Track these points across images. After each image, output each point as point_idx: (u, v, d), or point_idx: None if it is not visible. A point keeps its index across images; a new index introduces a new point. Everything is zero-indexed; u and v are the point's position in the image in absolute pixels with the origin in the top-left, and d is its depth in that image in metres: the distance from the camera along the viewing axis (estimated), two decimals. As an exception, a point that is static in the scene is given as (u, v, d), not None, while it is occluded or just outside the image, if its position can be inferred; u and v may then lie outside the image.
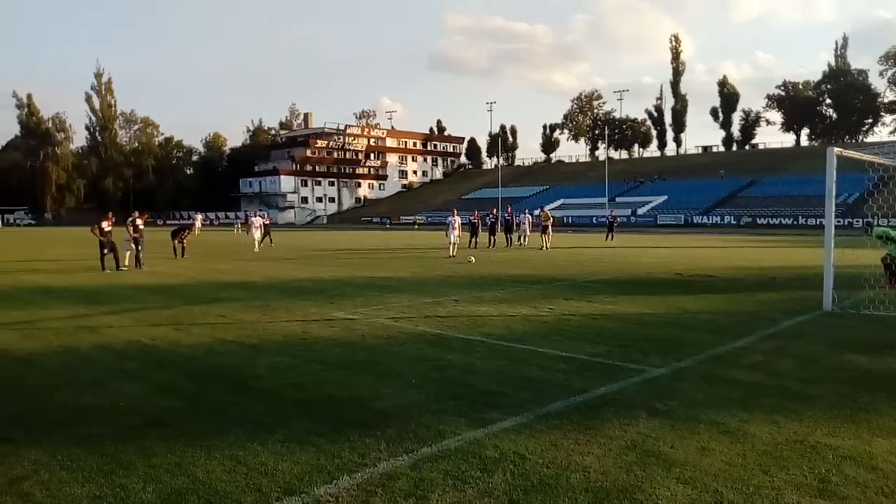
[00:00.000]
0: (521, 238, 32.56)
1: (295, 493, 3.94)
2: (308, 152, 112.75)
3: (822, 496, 3.83)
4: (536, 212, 35.02)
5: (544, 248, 28.67)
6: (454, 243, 24.54)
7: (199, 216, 58.34)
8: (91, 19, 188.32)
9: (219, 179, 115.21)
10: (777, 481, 4.03)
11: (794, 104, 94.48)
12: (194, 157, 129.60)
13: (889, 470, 4.19)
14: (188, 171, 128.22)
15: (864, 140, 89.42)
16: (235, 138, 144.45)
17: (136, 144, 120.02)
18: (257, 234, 28.47)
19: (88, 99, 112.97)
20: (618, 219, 38.73)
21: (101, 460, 4.45)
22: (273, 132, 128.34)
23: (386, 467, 4.28)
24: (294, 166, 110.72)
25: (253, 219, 29.07)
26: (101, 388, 6.34)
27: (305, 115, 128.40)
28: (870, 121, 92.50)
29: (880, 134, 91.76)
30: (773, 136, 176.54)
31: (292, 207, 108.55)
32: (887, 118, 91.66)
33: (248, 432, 4.94)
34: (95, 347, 8.28)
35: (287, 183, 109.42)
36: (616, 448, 4.61)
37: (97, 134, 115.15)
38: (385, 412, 5.44)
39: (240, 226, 58.55)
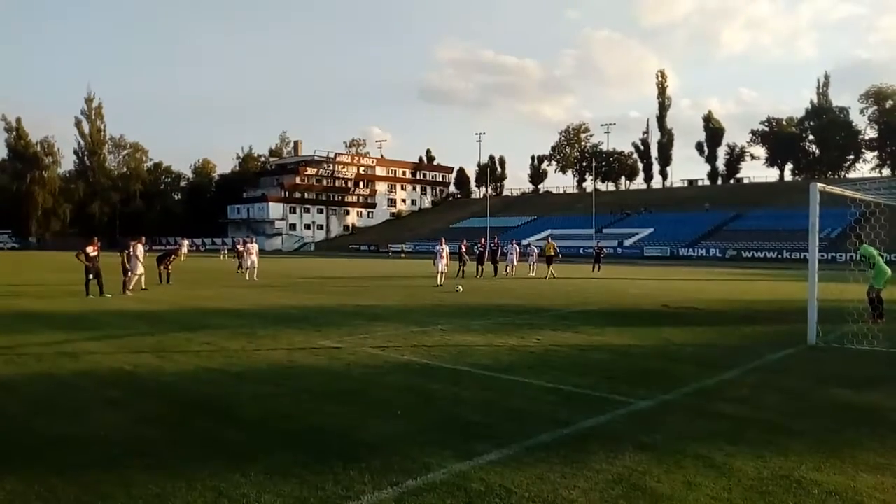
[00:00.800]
0: (508, 268, 32.71)
1: (277, 526, 3.87)
2: (297, 179, 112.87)
3: (807, 532, 3.82)
4: (542, 243, 35.17)
5: (548, 278, 28.88)
6: (442, 272, 24.59)
7: (186, 242, 57.97)
8: (83, 44, 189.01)
9: (207, 205, 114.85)
10: (763, 517, 4.02)
11: (778, 140, 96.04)
12: (183, 183, 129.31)
13: (874, 506, 4.20)
14: (176, 197, 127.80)
15: (846, 176, 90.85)
16: (225, 165, 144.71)
17: (125, 169, 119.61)
18: (253, 261, 27.34)
19: (78, 123, 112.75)
20: (604, 250, 38.94)
21: (79, 491, 4.37)
22: (263, 159, 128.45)
23: (370, 500, 4.22)
24: (283, 193, 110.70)
25: (250, 245, 27.90)
26: (81, 416, 6.24)
27: (295, 142, 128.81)
28: (851, 157, 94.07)
29: (862, 170, 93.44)
30: (757, 170, 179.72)
31: (280, 234, 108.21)
32: (868, 155, 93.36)
33: (231, 463, 4.87)
34: (77, 374, 8.16)
35: (275, 210, 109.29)
36: (602, 482, 4.59)
37: (85, 158, 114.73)
38: (370, 443, 5.39)
39: (227, 252, 58.12)
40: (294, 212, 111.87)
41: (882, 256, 13.66)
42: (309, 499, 4.25)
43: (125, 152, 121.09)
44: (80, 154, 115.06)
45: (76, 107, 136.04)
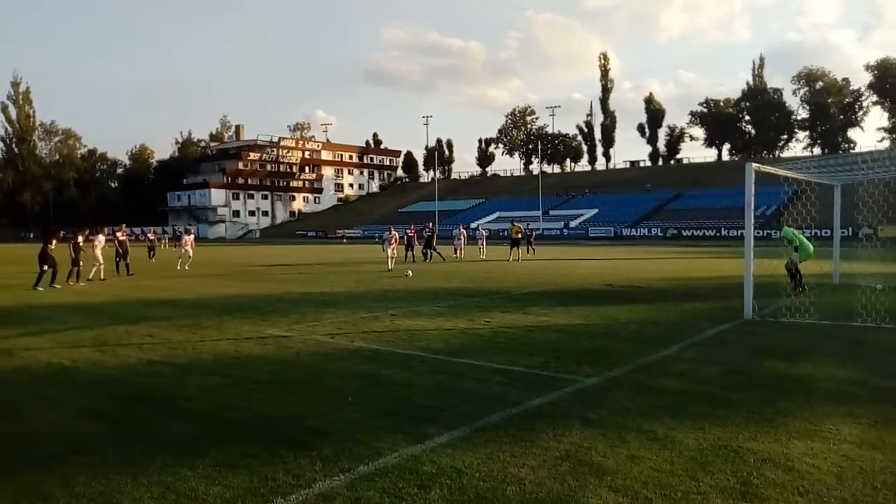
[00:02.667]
0: (457, 251, 32.86)
1: (227, 518, 3.84)
2: (240, 165, 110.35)
3: (744, 499, 4.00)
4: (507, 225, 35.20)
5: (518, 260, 29.40)
6: (392, 257, 24.56)
7: (102, 235, 56.19)
8: (6, 26, 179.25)
9: (145, 193, 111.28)
10: (703, 486, 4.20)
11: (716, 121, 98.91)
12: (119, 170, 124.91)
13: (804, 470, 4.43)
14: (113, 185, 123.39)
15: (781, 155, 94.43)
16: (163, 151, 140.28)
17: (57, 157, 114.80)
18: (189, 251, 26.89)
19: (4, 109, 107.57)
20: (534, 231, 38.87)
21: (18, 492, 4.23)
22: (203, 144, 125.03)
23: (322, 488, 4.22)
24: (225, 179, 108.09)
25: (186, 236, 27.66)
26: (18, 415, 6.03)
27: (237, 126, 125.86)
28: (785, 137, 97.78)
29: (795, 149, 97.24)
30: (696, 151, 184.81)
31: (223, 221, 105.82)
32: (801, 134, 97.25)
33: (178, 457, 4.79)
34: (12, 371, 7.85)
35: (217, 196, 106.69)
36: (550, 459, 4.70)
37: (14, 146, 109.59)
38: (321, 431, 5.37)
39: (167, 241, 56.49)
40: (237, 198, 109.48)
41: (804, 233, 14.30)
42: (259, 489, 4.22)
43: (57, 139, 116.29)
44: (8, 141, 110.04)
45: (1, 92, 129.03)
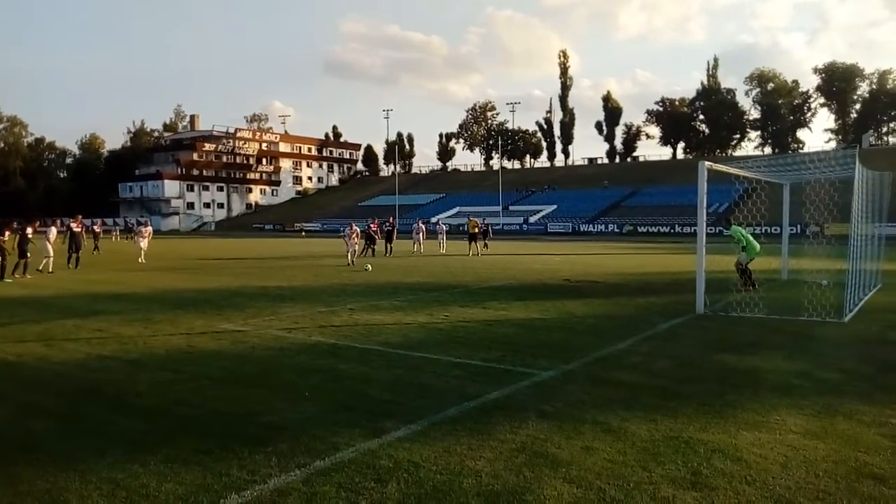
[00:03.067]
0: (416, 245, 32.87)
1: (179, 515, 3.77)
2: (195, 156, 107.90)
3: (694, 488, 4.11)
4: (453, 220, 35.17)
5: (478, 255, 29.58)
6: (352, 252, 24.37)
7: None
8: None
9: (96, 183, 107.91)
10: (654, 476, 4.29)
11: (671, 119, 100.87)
12: (69, 160, 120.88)
13: (752, 460, 4.57)
14: (62, 175, 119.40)
15: (733, 154, 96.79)
16: (115, 140, 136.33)
17: (2, 145, 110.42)
18: (144, 244, 26.34)
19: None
20: (490, 226, 38.37)
21: (-44, 492, 4.07)
22: (156, 134, 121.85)
23: (277, 483, 4.18)
24: (179, 170, 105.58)
25: (143, 228, 27.02)
26: (-43, 413, 5.79)
27: (192, 116, 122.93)
28: (737, 136, 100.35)
29: (747, 148, 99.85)
30: (652, 149, 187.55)
31: (177, 213, 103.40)
32: (752, 134, 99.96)
33: (128, 453, 4.68)
34: (-49, 367, 7.54)
35: (171, 188, 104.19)
36: (507, 451, 4.74)
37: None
38: (276, 426, 5.31)
39: (118, 233, 55.01)
40: (192, 190, 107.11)
41: (753, 230, 14.71)
42: (213, 485, 4.15)
43: (1, 126, 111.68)
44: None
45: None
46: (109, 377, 7.06)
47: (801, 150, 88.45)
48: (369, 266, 21.72)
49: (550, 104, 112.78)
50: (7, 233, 18.49)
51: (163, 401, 6.13)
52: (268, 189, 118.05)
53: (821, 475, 4.31)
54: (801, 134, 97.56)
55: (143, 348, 8.59)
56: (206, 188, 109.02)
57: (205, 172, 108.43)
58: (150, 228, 27.26)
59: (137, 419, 5.58)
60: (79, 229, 22.52)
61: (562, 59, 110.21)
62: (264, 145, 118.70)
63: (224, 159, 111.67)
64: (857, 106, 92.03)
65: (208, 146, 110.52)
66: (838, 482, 4.20)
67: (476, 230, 31.27)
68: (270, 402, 6.06)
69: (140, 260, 25.22)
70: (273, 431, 5.17)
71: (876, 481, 4.21)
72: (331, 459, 4.57)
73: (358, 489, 4.09)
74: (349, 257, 24.22)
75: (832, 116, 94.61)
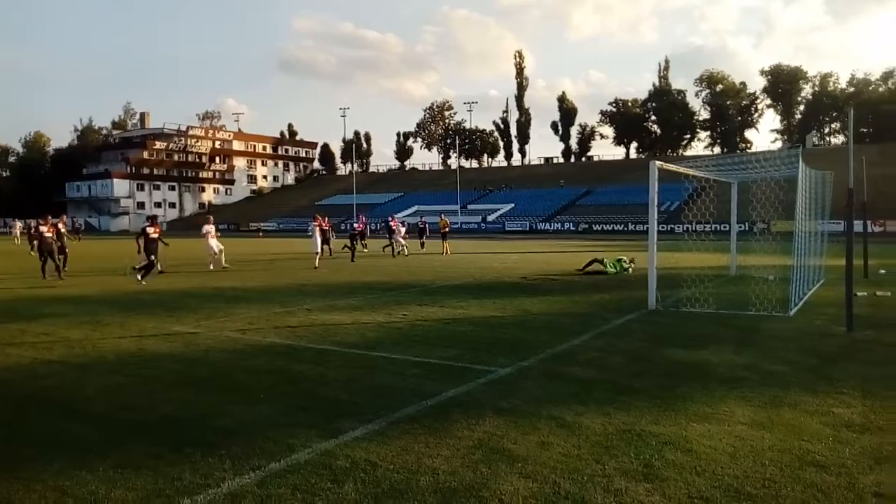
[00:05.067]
0: (397, 246, 32.04)
1: (129, 521, 3.68)
2: (145, 154, 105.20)
3: (646, 480, 4.20)
4: (436, 219, 34.46)
5: (445, 254, 29.43)
6: (319, 253, 23.07)
7: (19, 224, 52.41)
8: None
9: (42, 183, 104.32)
10: (608, 469, 4.37)
11: (624, 120, 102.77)
12: (12, 159, 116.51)
13: (702, 451, 4.69)
14: (4, 174, 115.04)
15: (684, 153, 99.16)
16: (61, 138, 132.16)
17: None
18: (215, 244, 22.26)
19: None
20: (428, 225, 36.76)
21: None
22: (105, 132, 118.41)
23: (231, 487, 4.11)
24: (129, 169, 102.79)
25: (207, 227, 22.96)
26: None
27: (142, 114, 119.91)
28: (688, 136, 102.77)
29: (696, 148, 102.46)
30: (606, 149, 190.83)
31: (127, 213, 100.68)
32: (702, 134, 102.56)
33: (76, 460, 4.55)
34: None
35: (120, 187, 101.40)
36: (464, 448, 4.77)
37: None
38: (230, 429, 5.23)
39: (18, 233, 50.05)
40: (142, 189, 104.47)
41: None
42: (164, 490, 4.06)
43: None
44: None
45: None
46: (56, 383, 6.84)
47: (748, 150, 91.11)
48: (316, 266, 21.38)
49: (507, 104, 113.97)
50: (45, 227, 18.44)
51: (112, 405, 5.97)
52: (221, 188, 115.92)
53: (767, 464, 4.46)
54: (749, 134, 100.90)
55: (91, 352, 8.35)
56: (157, 187, 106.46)
57: (156, 171, 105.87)
58: (211, 227, 22.88)
59: (86, 425, 5.43)
60: (50, 234, 19.08)
61: (518, 59, 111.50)
62: (217, 143, 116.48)
63: (176, 158, 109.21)
64: (801, 107, 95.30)
65: (159, 144, 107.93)
66: (783, 470, 4.35)
67: (446, 229, 31.47)
68: (224, 404, 5.95)
69: (224, 265, 21.92)
70: (227, 434, 5.09)
71: (818, 468, 4.38)
72: (286, 461, 4.52)
73: (314, 490, 4.06)
74: (316, 260, 22.60)
75: (778, 117, 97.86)
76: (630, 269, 19.45)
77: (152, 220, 19.27)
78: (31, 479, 4.23)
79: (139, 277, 17.11)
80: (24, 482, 4.20)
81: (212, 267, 21.67)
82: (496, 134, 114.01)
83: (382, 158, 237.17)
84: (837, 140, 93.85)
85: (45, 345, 8.83)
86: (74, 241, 26.63)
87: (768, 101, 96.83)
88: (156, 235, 18.18)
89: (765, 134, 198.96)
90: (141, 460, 4.54)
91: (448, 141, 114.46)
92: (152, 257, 17.73)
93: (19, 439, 5.09)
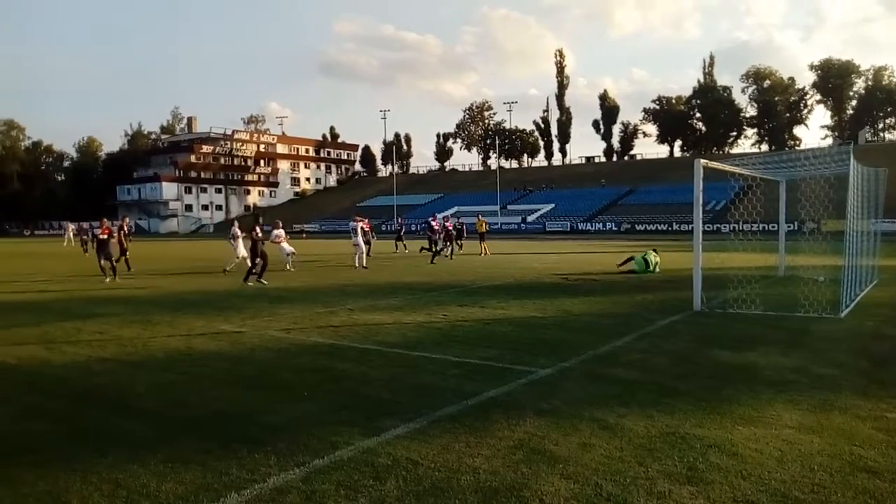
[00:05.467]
0: (447, 247, 31.99)
1: (180, 514, 3.80)
2: (192, 158, 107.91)
3: (690, 483, 4.15)
4: (475, 219, 34.61)
5: (483, 255, 29.28)
6: (359, 254, 22.73)
7: (72, 226, 54.25)
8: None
9: (94, 187, 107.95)
10: (651, 472, 4.33)
11: (668, 118, 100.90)
12: (66, 163, 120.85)
13: (748, 455, 4.60)
14: (59, 178, 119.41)
15: (730, 151, 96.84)
16: (112, 143, 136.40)
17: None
18: (287, 246, 22.17)
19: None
20: (465, 226, 35.72)
21: (-42, 494, 4.10)
22: (154, 137, 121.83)
23: (276, 482, 4.21)
24: (177, 172, 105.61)
25: (275, 231, 22.39)
26: (-42, 416, 5.81)
27: (189, 119, 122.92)
28: (734, 134, 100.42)
29: (743, 146, 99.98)
30: (649, 147, 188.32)
31: (175, 216, 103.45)
32: (749, 131, 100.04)
33: (129, 454, 4.71)
34: (-49, 371, 7.56)
35: (169, 190, 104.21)
36: (504, 448, 4.78)
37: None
38: (276, 426, 5.35)
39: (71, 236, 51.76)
40: (190, 192, 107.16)
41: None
42: (213, 484, 4.18)
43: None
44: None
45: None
46: (110, 380, 7.09)
47: (797, 147, 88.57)
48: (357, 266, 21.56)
49: (547, 103, 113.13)
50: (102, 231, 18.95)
51: (163, 402, 6.16)
52: (266, 190, 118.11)
53: (816, 469, 4.35)
54: (798, 131, 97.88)
55: (142, 350, 8.62)
56: (204, 190, 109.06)
57: (202, 174, 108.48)
58: (281, 231, 22.44)
59: (138, 420, 5.62)
60: (105, 236, 19.46)
61: (558, 58, 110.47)
62: (262, 147, 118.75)
63: (222, 161, 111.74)
64: (854, 102, 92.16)
65: (206, 148, 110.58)
66: (833, 475, 4.24)
67: (484, 229, 31.46)
68: (269, 402, 6.09)
69: (287, 268, 21.67)
70: (272, 431, 5.20)
71: (870, 474, 4.25)
72: (330, 458, 4.61)
73: (356, 487, 4.12)
74: (356, 259, 22.40)
75: (828, 113, 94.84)
76: (657, 269, 19.39)
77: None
78: (86, 472, 4.41)
79: (258, 281, 17.40)
80: (80, 474, 4.37)
81: (289, 268, 21.64)
82: (536, 133, 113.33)
83: (422, 160, 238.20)
84: (892, 135, 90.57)
85: (99, 343, 9.16)
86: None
87: (818, 97, 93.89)
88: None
89: (815, 130, 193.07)
90: (190, 455, 4.68)
91: (488, 141, 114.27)
92: (258, 260, 17.65)
93: (76, 434, 5.29)
